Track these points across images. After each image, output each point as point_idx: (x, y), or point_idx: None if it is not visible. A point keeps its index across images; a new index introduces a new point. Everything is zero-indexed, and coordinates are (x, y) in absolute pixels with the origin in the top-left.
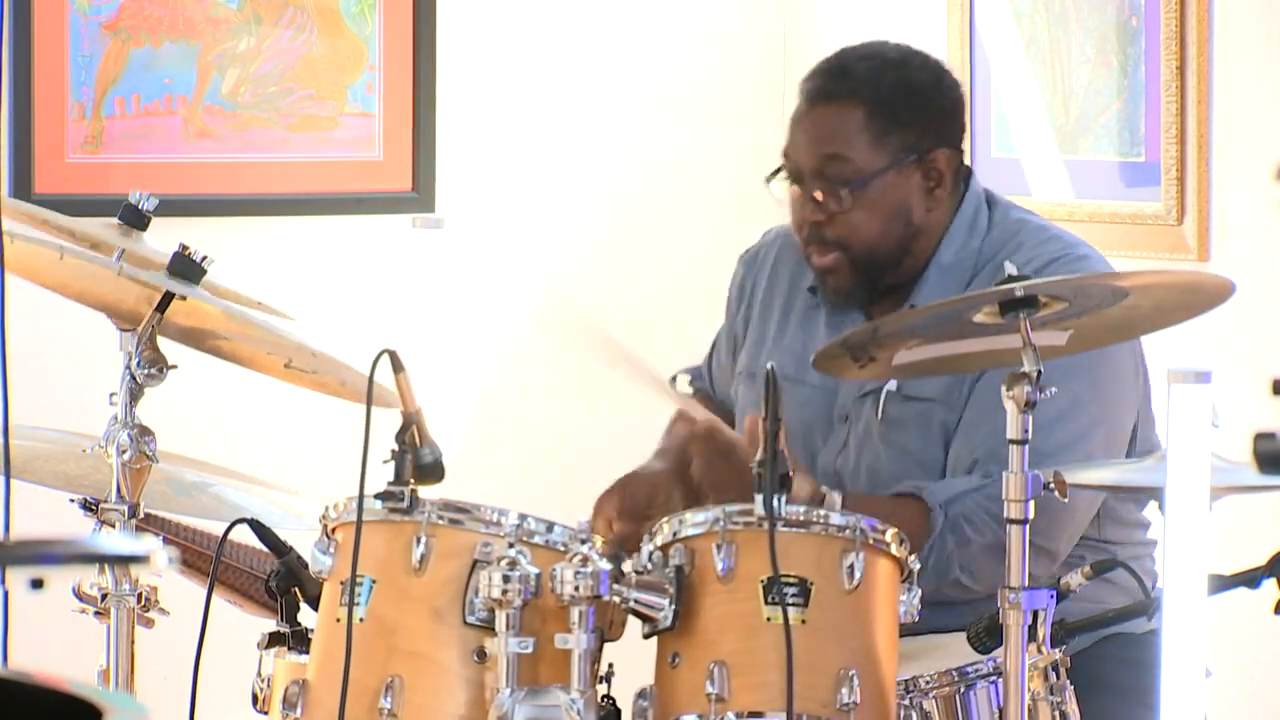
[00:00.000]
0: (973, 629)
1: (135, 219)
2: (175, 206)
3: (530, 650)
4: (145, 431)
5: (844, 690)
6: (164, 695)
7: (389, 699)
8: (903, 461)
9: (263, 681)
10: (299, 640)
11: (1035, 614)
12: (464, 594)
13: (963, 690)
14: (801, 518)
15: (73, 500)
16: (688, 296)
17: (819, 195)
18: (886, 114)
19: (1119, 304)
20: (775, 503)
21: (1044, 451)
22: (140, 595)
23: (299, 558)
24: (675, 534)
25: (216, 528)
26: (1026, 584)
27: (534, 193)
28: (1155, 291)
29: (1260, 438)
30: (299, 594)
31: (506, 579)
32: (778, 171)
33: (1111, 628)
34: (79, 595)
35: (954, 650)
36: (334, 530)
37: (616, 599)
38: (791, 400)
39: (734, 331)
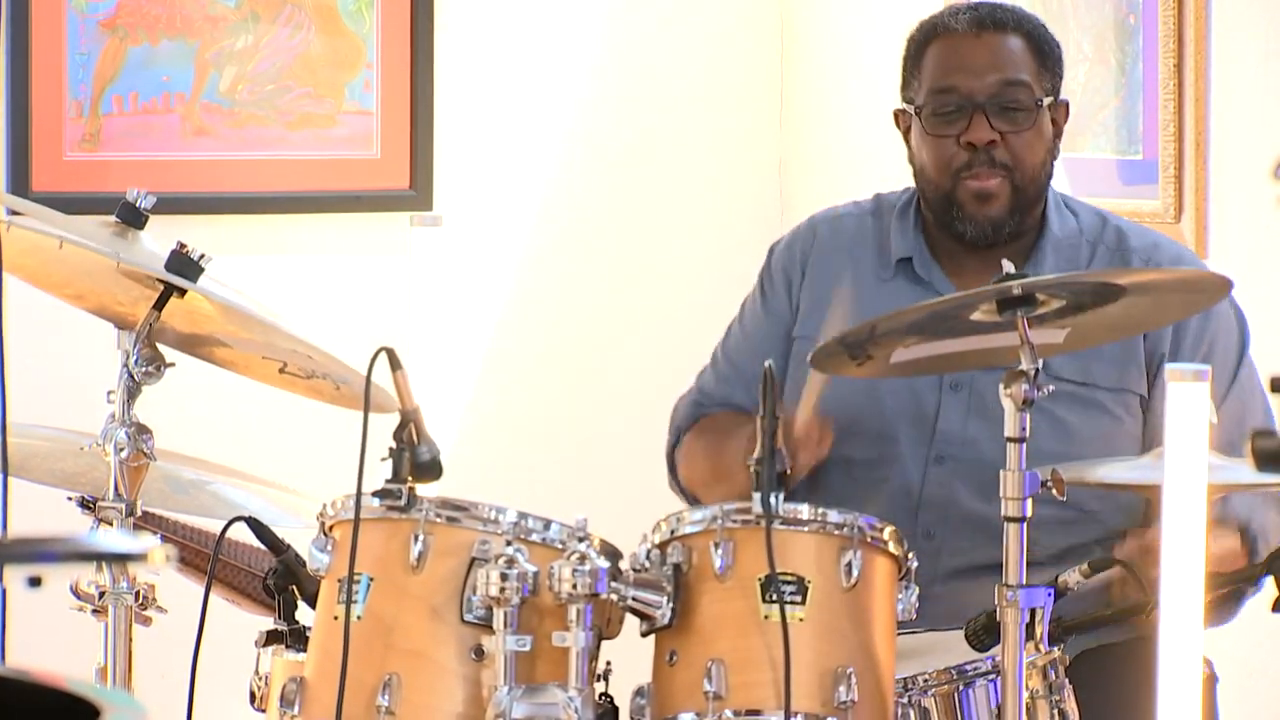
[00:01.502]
0: (970, 627)
1: (132, 217)
2: (173, 204)
3: (528, 648)
4: (143, 429)
5: (842, 688)
6: (161, 693)
7: (386, 697)
8: (1058, 435)
9: (260, 679)
10: (296, 638)
11: (1033, 612)
12: (462, 592)
13: (961, 688)
14: (799, 516)
15: (70, 498)
16: (687, 295)
17: (999, 117)
18: (1044, 51)
19: (1117, 302)
20: (772, 500)
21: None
22: (138, 593)
23: (297, 556)
24: (673, 532)
25: (214, 526)
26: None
27: (532, 191)
28: (1153, 289)
29: (1259, 435)
30: (297, 592)
31: (504, 577)
32: (932, 105)
33: (1110, 626)
34: (77, 593)
35: (952, 648)
36: (331, 528)
37: (614, 597)
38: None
39: (778, 322)
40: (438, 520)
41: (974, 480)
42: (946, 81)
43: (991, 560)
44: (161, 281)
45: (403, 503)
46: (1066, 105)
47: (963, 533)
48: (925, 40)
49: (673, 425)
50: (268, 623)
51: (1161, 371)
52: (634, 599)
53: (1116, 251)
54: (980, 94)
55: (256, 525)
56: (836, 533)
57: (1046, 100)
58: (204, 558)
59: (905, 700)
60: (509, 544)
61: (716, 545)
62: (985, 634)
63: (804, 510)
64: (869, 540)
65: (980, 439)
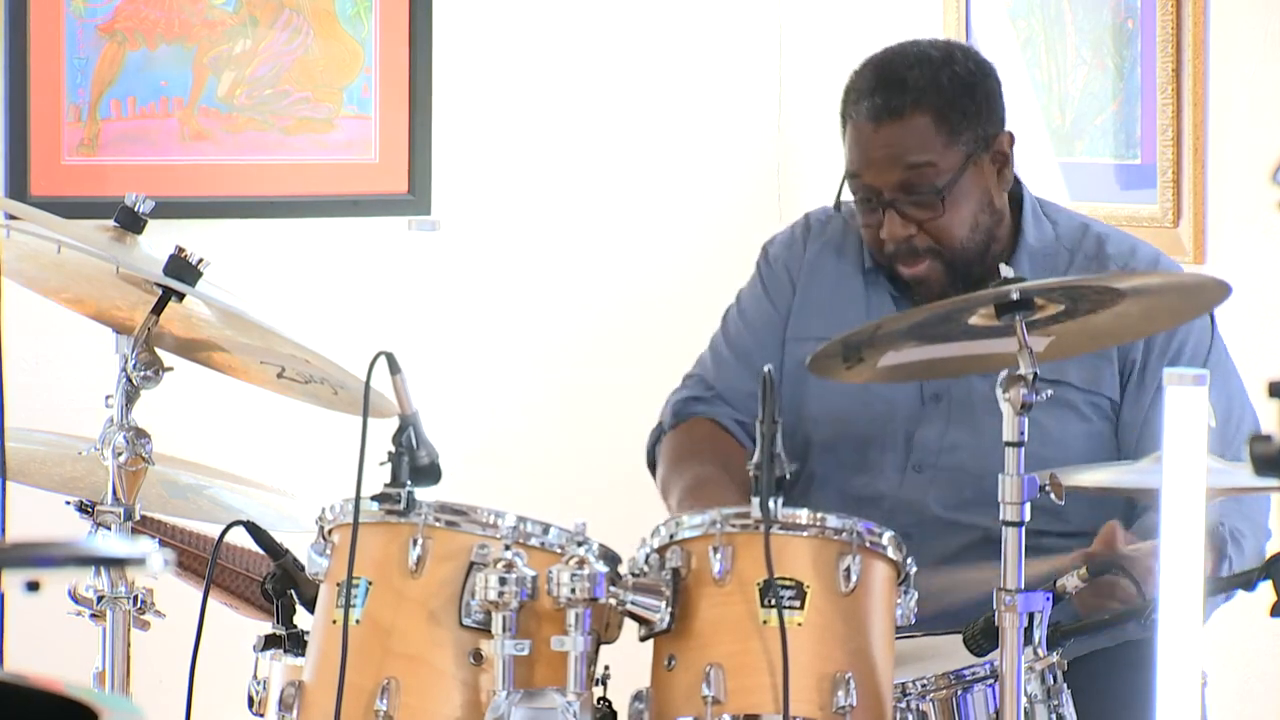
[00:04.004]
0: (969, 631)
1: (131, 221)
2: (171, 209)
3: (526, 652)
4: (141, 434)
5: (840, 693)
6: (160, 698)
7: (385, 701)
8: (1037, 440)
9: (258, 684)
10: (295, 642)
11: (1031, 616)
12: (460, 596)
13: (959, 693)
14: (798, 520)
15: (69, 503)
16: (683, 299)
17: (910, 209)
18: (953, 113)
19: (1111, 307)
20: (771, 505)
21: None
22: (136, 598)
23: (295, 560)
24: (672, 536)
25: (212, 530)
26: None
27: (529, 195)
28: (1152, 293)
29: (1256, 440)
30: (295, 596)
31: (503, 581)
32: (862, 197)
33: (1107, 630)
34: (75, 598)
35: (951, 653)
36: (330, 532)
37: (613, 601)
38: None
39: (780, 314)
40: (436, 524)
41: (950, 488)
42: (854, 169)
43: (962, 546)
44: (160, 286)
45: (401, 507)
46: (1010, 136)
47: (939, 534)
48: (843, 117)
49: (661, 417)
50: (266, 627)
51: (1133, 379)
52: (632, 603)
53: (1095, 259)
54: (886, 190)
55: (255, 529)
56: (835, 538)
57: (963, 169)
58: (202, 562)
59: (904, 705)
60: (507, 548)
61: (715, 550)
62: (983, 639)
63: (802, 515)
64: (868, 545)
65: (959, 448)
